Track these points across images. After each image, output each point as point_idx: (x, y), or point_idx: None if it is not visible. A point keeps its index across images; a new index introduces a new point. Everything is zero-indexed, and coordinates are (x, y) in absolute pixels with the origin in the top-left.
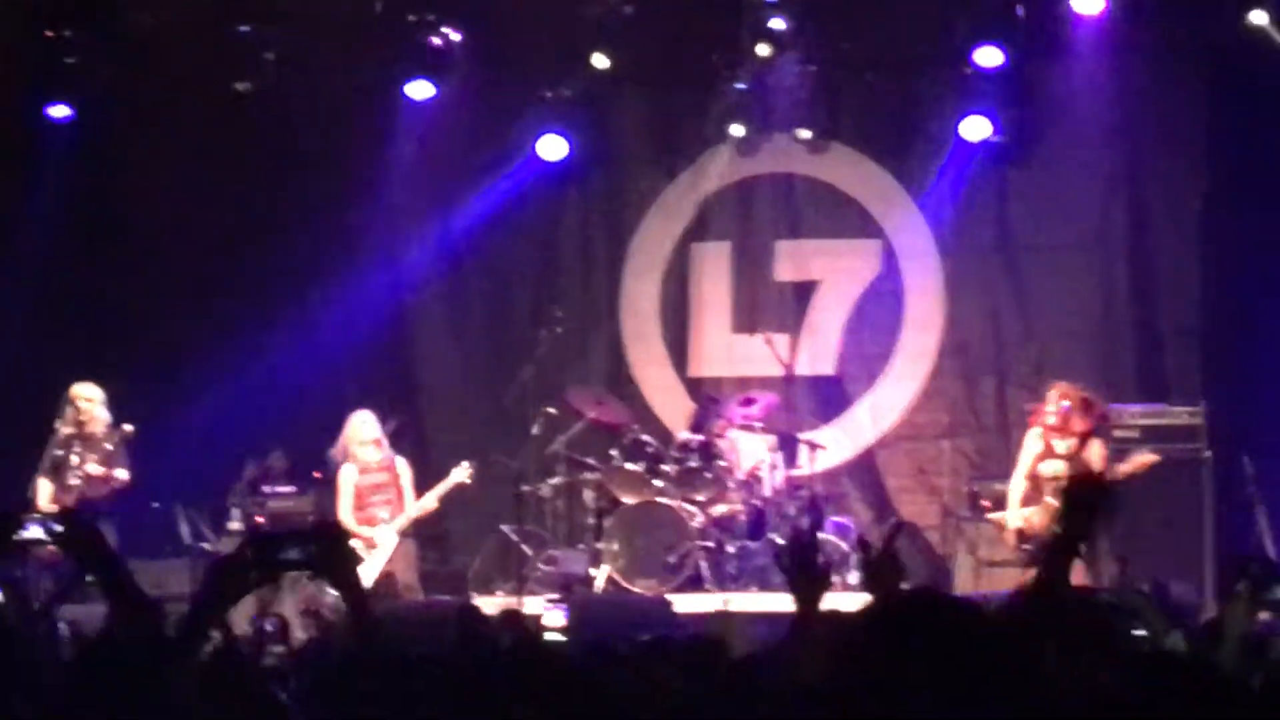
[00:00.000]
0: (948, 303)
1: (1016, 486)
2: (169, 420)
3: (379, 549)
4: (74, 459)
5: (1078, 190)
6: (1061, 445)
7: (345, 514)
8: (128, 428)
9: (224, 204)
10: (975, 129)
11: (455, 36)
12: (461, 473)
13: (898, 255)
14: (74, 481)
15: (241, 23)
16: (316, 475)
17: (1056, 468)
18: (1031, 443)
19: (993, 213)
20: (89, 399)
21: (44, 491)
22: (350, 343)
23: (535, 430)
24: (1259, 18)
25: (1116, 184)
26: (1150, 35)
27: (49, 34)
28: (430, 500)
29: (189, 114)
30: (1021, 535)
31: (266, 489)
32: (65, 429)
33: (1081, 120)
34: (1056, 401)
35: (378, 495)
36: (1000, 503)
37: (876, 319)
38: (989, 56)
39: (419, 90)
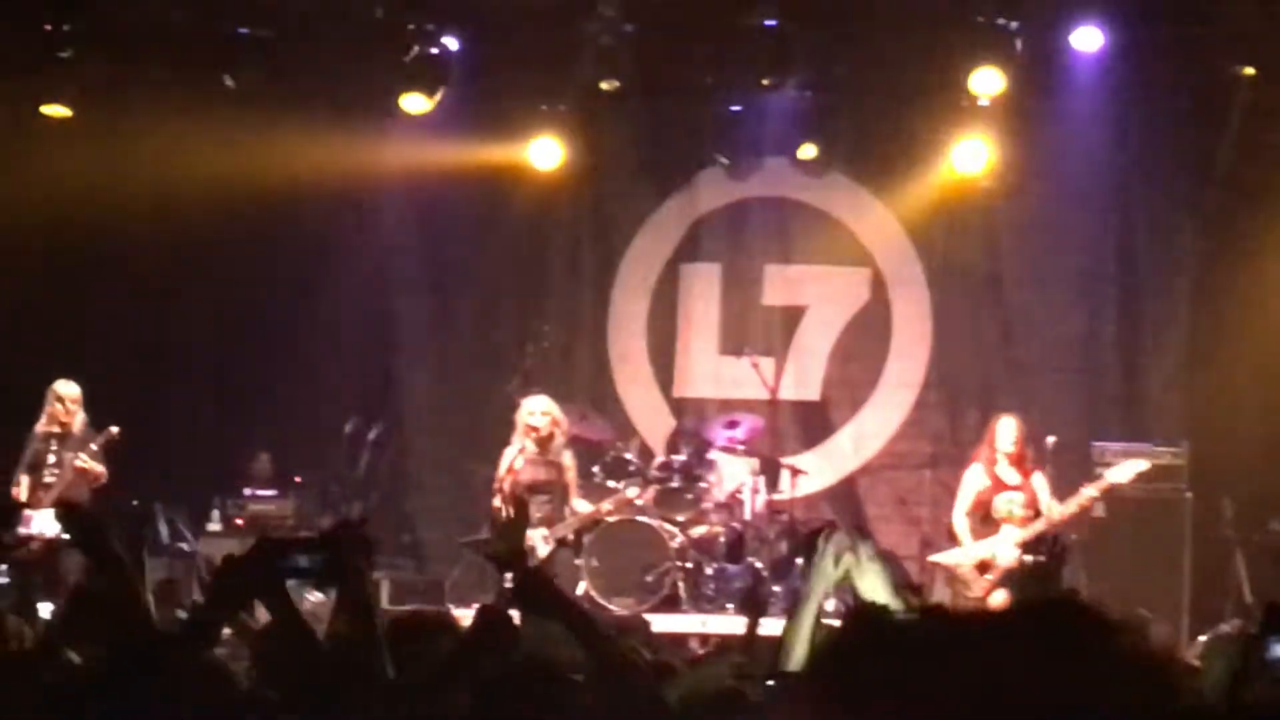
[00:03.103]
0: (934, 333)
1: (961, 523)
2: (150, 419)
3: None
4: (51, 457)
5: (1068, 226)
6: (1013, 477)
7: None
8: (114, 430)
9: (209, 208)
10: (968, 158)
11: (453, 45)
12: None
13: (886, 284)
14: (49, 479)
15: (238, 23)
16: (297, 480)
17: (1012, 498)
18: (974, 478)
19: (982, 245)
20: (70, 397)
21: (25, 488)
22: (334, 349)
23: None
24: (1248, 71)
25: (1107, 221)
26: (1145, 76)
27: (47, 28)
28: (603, 508)
29: (179, 114)
30: (984, 567)
31: (248, 491)
32: (44, 427)
33: (1074, 156)
34: (1012, 433)
35: (536, 495)
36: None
37: (862, 347)
38: (987, 80)
39: (413, 104)
